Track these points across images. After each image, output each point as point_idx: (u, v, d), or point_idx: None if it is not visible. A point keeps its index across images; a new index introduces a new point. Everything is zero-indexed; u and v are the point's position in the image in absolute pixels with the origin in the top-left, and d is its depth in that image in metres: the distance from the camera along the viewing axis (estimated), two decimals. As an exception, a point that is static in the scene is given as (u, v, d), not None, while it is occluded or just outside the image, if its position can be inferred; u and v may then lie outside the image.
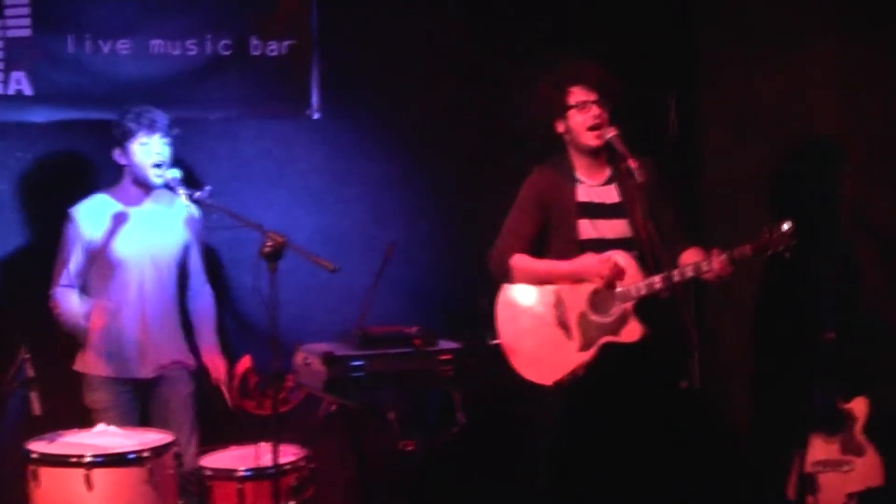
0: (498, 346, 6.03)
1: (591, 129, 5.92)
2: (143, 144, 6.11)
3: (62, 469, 5.37)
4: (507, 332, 6.05)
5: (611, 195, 6.00)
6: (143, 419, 6.23)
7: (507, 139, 7.09)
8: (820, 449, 6.34)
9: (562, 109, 5.97)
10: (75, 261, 6.15)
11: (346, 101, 7.04)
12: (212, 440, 6.19)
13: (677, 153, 7.48)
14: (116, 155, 6.18)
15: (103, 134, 6.47)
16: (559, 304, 5.95)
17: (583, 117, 5.93)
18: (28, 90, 6.39)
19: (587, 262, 5.84)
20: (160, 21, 6.60)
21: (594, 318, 5.87)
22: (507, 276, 6.04)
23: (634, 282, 5.78)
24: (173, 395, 6.27)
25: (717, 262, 5.65)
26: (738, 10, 7.37)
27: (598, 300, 5.86)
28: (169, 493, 5.58)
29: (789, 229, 5.57)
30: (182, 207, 6.28)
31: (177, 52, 6.63)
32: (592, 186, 6.01)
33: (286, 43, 6.81)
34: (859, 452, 6.27)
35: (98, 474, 5.35)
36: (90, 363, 6.18)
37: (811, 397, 6.40)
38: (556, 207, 5.98)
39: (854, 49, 6.65)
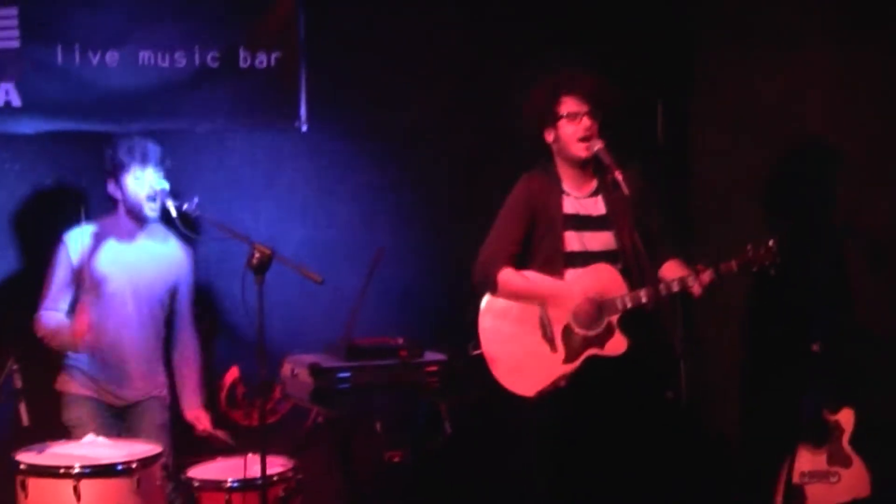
0: (480, 355, 6.03)
1: (581, 140, 5.90)
2: (136, 178, 6.13)
3: (50, 480, 5.36)
4: (491, 342, 6.03)
5: (597, 207, 5.99)
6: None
7: (497, 149, 7.10)
8: (807, 460, 6.36)
9: (552, 118, 5.96)
10: (62, 286, 6.18)
11: (334, 112, 7.04)
12: (202, 450, 6.20)
13: (666, 157, 7.50)
14: (110, 188, 6.20)
15: (92, 145, 6.51)
16: (544, 316, 5.94)
17: (573, 128, 5.91)
18: (16, 101, 6.38)
19: (568, 286, 5.89)
20: (149, 32, 6.59)
21: (579, 330, 5.88)
22: (492, 289, 6.02)
23: (619, 295, 5.80)
24: (147, 423, 6.29)
25: (704, 277, 5.70)
26: (735, 11, 7.38)
27: (583, 313, 5.87)
28: (157, 504, 5.59)
29: (773, 246, 5.64)
30: (175, 246, 6.28)
31: (165, 64, 6.61)
32: (579, 198, 6.00)
33: (274, 55, 6.80)
34: (846, 464, 6.30)
35: (86, 485, 5.34)
36: (69, 382, 6.22)
37: (799, 408, 6.41)
38: (542, 217, 5.96)
39: (851, 51, 6.67)
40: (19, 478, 5.40)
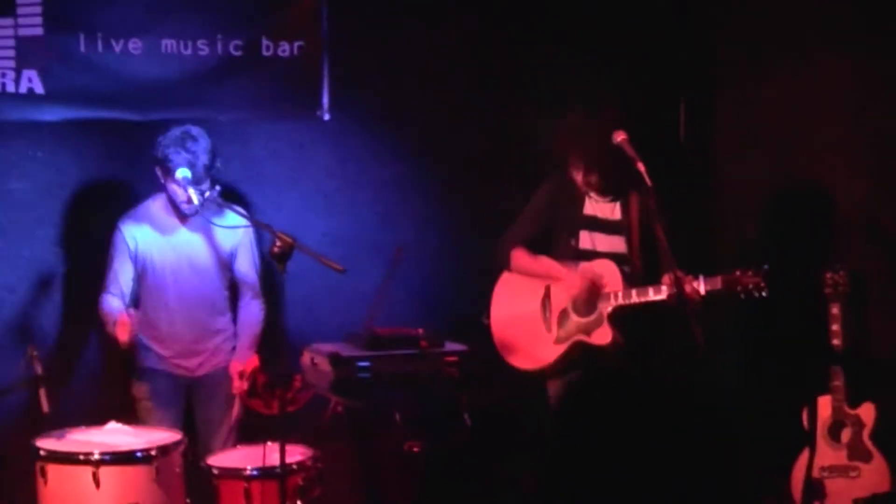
0: (488, 324, 6.34)
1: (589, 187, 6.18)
2: (178, 185, 6.11)
3: (70, 466, 5.38)
4: (498, 313, 6.37)
5: (614, 213, 6.22)
6: (187, 415, 6.38)
7: (519, 144, 7.11)
8: (827, 454, 6.34)
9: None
10: (122, 270, 6.24)
11: (357, 103, 7.04)
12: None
13: (688, 156, 7.49)
14: (157, 172, 6.18)
15: (115, 133, 6.54)
16: (546, 297, 6.22)
17: (583, 180, 6.18)
18: (40, 89, 6.39)
19: (569, 277, 6.10)
20: (172, 21, 6.59)
21: (573, 316, 6.13)
22: (507, 266, 6.32)
23: (616, 290, 6.01)
24: (216, 394, 6.36)
25: (688, 289, 5.81)
26: (749, 20, 7.37)
27: (580, 300, 6.09)
28: (176, 492, 5.59)
29: (763, 271, 5.73)
30: (230, 218, 6.23)
31: (188, 52, 6.61)
32: (599, 202, 6.22)
33: (297, 44, 6.79)
34: (866, 458, 6.27)
35: (105, 472, 5.35)
36: (140, 356, 6.30)
37: (817, 402, 6.41)
38: (562, 215, 6.22)
39: (864, 60, 6.66)
40: (39, 464, 5.42)
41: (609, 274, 6.05)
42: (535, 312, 6.22)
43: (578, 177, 6.14)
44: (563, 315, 6.15)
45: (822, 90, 6.89)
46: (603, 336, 6.03)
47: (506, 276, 6.37)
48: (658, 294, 5.92)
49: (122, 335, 5.93)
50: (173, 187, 6.12)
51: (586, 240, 6.17)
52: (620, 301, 5.98)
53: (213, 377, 6.36)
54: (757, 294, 5.76)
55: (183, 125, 6.16)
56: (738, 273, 5.78)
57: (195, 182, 6.06)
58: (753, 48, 7.31)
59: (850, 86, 6.75)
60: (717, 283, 5.82)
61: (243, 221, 6.17)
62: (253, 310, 6.42)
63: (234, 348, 6.38)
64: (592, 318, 6.06)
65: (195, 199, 6.02)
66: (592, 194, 6.19)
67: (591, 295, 6.04)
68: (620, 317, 6.02)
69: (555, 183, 6.26)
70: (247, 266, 6.37)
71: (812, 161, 6.94)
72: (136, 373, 6.31)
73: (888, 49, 6.53)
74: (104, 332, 6.15)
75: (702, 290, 5.84)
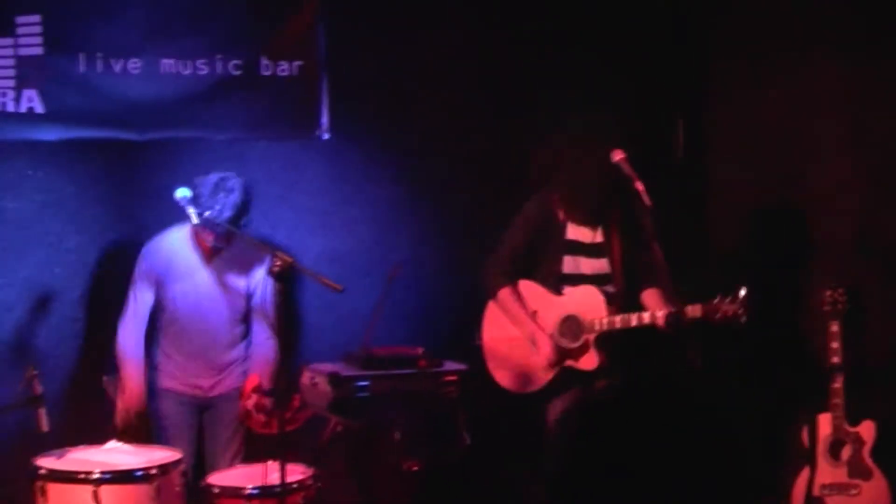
0: (479, 346, 6.37)
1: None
2: (204, 230, 6.14)
3: (70, 485, 5.35)
4: (489, 335, 6.39)
5: (596, 236, 6.23)
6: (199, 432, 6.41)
7: (516, 162, 7.12)
8: (827, 472, 6.34)
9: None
10: (142, 300, 6.27)
11: (354, 122, 7.04)
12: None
13: (684, 177, 7.51)
14: (187, 206, 6.09)
15: (113, 152, 6.54)
16: (534, 322, 6.22)
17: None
18: (39, 108, 6.38)
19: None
20: (171, 41, 6.59)
21: (560, 341, 6.14)
22: (493, 299, 6.36)
23: (599, 317, 6.04)
24: (227, 412, 6.36)
25: (660, 316, 5.90)
26: (746, 31, 7.38)
27: (567, 327, 6.15)
28: (176, 511, 5.59)
29: (744, 297, 5.74)
30: (252, 247, 6.22)
31: (188, 72, 6.62)
32: (580, 226, 6.24)
33: (296, 63, 6.81)
34: (866, 476, 6.27)
35: (106, 491, 5.33)
36: (156, 376, 6.33)
37: (817, 420, 6.41)
38: (545, 240, 6.25)
39: (863, 70, 6.67)
40: (38, 483, 5.39)
41: (591, 301, 6.09)
42: (525, 336, 6.23)
43: (560, 211, 6.17)
44: (552, 343, 6.15)
45: (820, 104, 6.89)
46: (589, 362, 6.08)
47: (494, 304, 6.39)
48: (641, 321, 5.96)
49: (124, 411, 6.08)
50: (200, 238, 6.18)
51: (570, 264, 6.20)
52: (604, 328, 6.03)
53: (224, 398, 6.37)
54: (736, 323, 5.78)
55: (224, 173, 6.15)
56: (717, 301, 5.79)
57: (209, 225, 6.08)
58: (750, 62, 7.32)
59: (846, 100, 6.75)
60: (697, 311, 5.84)
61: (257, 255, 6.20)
62: (268, 348, 6.35)
63: (245, 372, 6.38)
64: (578, 344, 6.09)
65: (194, 219, 6.01)
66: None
67: (575, 324, 6.09)
68: (607, 339, 6.06)
69: (535, 208, 6.28)
70: (266, 304, 6.35)
71: (809, 175, 6.94)
72: (149, 393, 6.30)
73: (885, 61, 6.53)
74: (106, 348, 6.17)
75: (660, 323, 5.91)
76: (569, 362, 6.13)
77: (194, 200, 6.04)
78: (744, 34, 7.41)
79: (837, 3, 6.82)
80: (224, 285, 6.29)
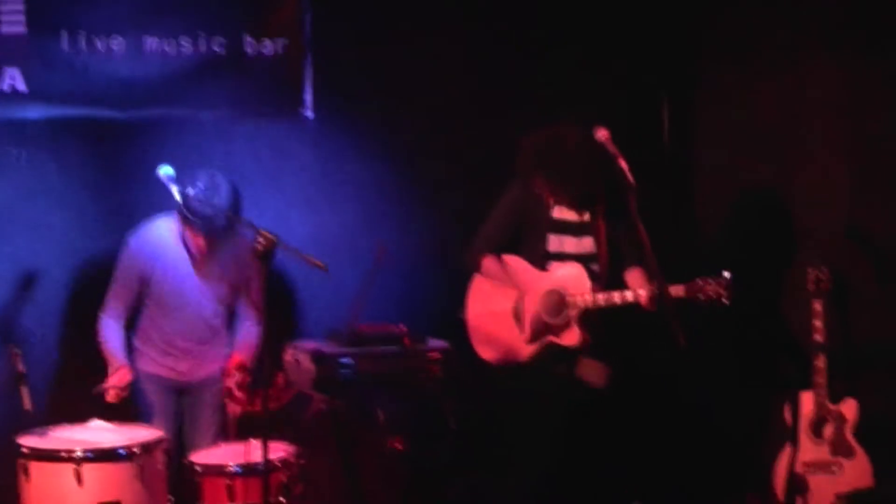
0: (462, 319, 6.36)
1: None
2: (191, 235, 6.11)
3: (52, 464, 5.38)
4: (473, 310, 6.39)
5: (580, 214, 6.22)
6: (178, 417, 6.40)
7: (501, 144, 7.09)
8: (810, 450, 6.35)
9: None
10: (126, 287, 6.20)
11: (339, 102, 7.04)
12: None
13: (671, 162, 7.51)
14: (176, 201, 6.06)
15: (96, 131, 6.53)
16: (520, 298, 6.22)
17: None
18: (22, 87, 6.38)
19: (539, 281, 6.15)
20: (155, 19, 6.57)
21: (545, 317, 6.13)
22: (478, 272, 6.38)
23: (583, 294, 6.03)
24: (206, 397, 6.37)
25: (643, 294, 5.90)
26: (736, 25, 7.38)
27: (552, 303, 6.12)
28: (158, 489, 5.60)
29: (728, 280, 5.77)
30: (244, 241, 6.19)
31: (171, 51, 6.60)
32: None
33: (280, 42, 6.80)
34: (849, 454, 6.29)
35: (88, 469, 5.35)
36: (137, 359, 6.27)
37: (799, 398, 6.42)
38: (530, 219, 6.24)
39: (852, 64, 6.67)
40: (21, 462, 5.42)
41: (576, 278, 6.08)
42: (508, 312, 6.24)
43: (546, 195, 6.16)
44: (536, 316, 6.15)
45: (808, 92, 6.90)
46: (571, 338, 6.07)
47: (479, 277, 6.40)
48: (624, 300, 5.96)
49: (118, 383, 6.00)
50: (188, 234, 6.11)
51: (555, 242, 6.20)
52: (588, 305, 6.02)
53: (203, 383, 6.36)
54: (719, 304, 5.79)
55: (211, 172, 6.05)
56: (699, 282, 5.80)
57: (208, 233, 6.05)
58: (739, 48, 7.32)
59: (834, 88, 6.76)
60: (680, 291, 5.84)
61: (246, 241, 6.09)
62: (252, 335, 6.35)
63: (226, 356, 6.35)
64: (563, 320, 6.08)
65: (176, 196, 5.98)
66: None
67: (559, 299, 6.08)
68: (590, 317, 6.05)
69: (521, 187, 6.26)
70: (256, 296, 6.31)
71: (796, 160, 6.95)
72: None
73: (879, 54, 6.54)
74: (89, 328, 6.16)
75: (644, 302, 5.91)
76: (550, 338, 6.13)
77: (185, 206, 5.98)
78: (733, 21, 7.41)
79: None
80: (212, 280, 6.26)
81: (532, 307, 6.16)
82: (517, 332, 6.20)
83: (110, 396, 5.98)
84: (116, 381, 6.02)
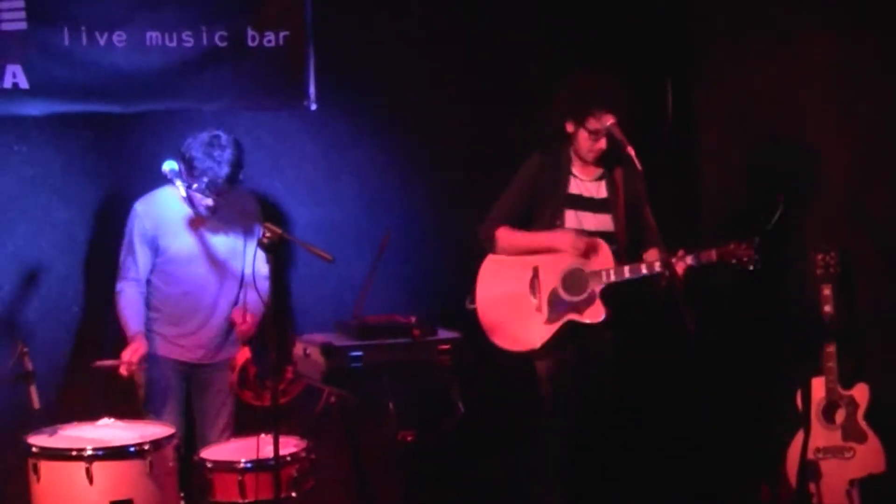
0: (473, 309, 6.33)
1: (592, 152, 6.19)
2: (201, 193, 6.10)
3: (63, 462, 5.36)
4: (484, 295, 6.35)
5: (600, 191, 6.26)
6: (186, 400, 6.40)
7: (504, 130, 7.09)
8: (822, 436, 6.35)
9: (578, 122, 6.18)
10: (140, 253, 6.22)
11: (342, 91, 7.01)
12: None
13: (674, 147, 7.49)
14: (180, 165, 6.12)
15: (99, 125, 6.51)
16: (535, 277, 6.23)
17: (589, 144, 6.17)
18: (24, 83, 6.34)
19: (565, 236, 6.13)
20: (156, 13, 6.54)
21: (564, 295, 6.13)
22: (491, 245, 6.36)
23: (607, 267, 6.03)
24: (213, 384, 6.38)
25: (686, 261, 5.91)
26: (733, 5, 7.36)
27: (571, 279, 6.12)
28: (169, 486, 5.58)
29: (756, 244, 5.81)
30: (249, 202, 6.23)
31: (173, 44, 6.56)
32: (584, 181, 6.28)
33: (282, 34, 6.75)
34: (861, 439, 6.28)
35: (99, 468, 5.33)
36: (153, 345, 6.25)
37: (810, 383, 6.41)
38: (546, 194, 6.25)
39: (849, 45, 6.66)
40: (31, 461, 5.40)
41: (602, 250, 6.07)
42: (524, 293, 6.22)
43: (584, 141, 6.15)
44: (554, 294, 6.14)
45: (808, 71, 6.87)
46: (595, 314, 6.05)
47: (490, 259, 6.37)
48: (651, 270, 5.94)
49: (131, 358, 5.98)
50: (192, 192, 6.11)
51: (572, 219, 6.20)
52: (613, 278, 6.01)
53: (212, 367, 6.36)
54: (750, 266, 5.82)
55: (213, 130, 6.13)
56: (731, 246, 5.84)
57: (209, 187, 6.05)
58: (739, 29, 7.30)
59: (835, 66, 6.73)
60: (712, 255, 5.87)
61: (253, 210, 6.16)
62: (254, 307, 6.28)
63: (233, 343, 6.34)
64: (584, 296, 6.06)
65: (182, 192, 6.01)
66: (578, 173, 6.24)
67: (582, 274, 6.06)
68: (611, 294, 6.04)
69: (536, 163, 6.30)
70: (257, 275, 6.24)
71: (799, 140, 6.92)
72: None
73: (875, 35, 6.51)
74: (96, 322, 6.15)
75: (688, 262, 5.90)
76: (571, 316, 6.10)
77: (187, 161, 6.04)
78: (732, 6, 7.38)
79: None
80: (220, 240, 6.28)
81: (550, 284, 6.15)
82: (534, 313, 6.18)
83: (123, 369, 5.97)
84: (129, 354, 6.01)
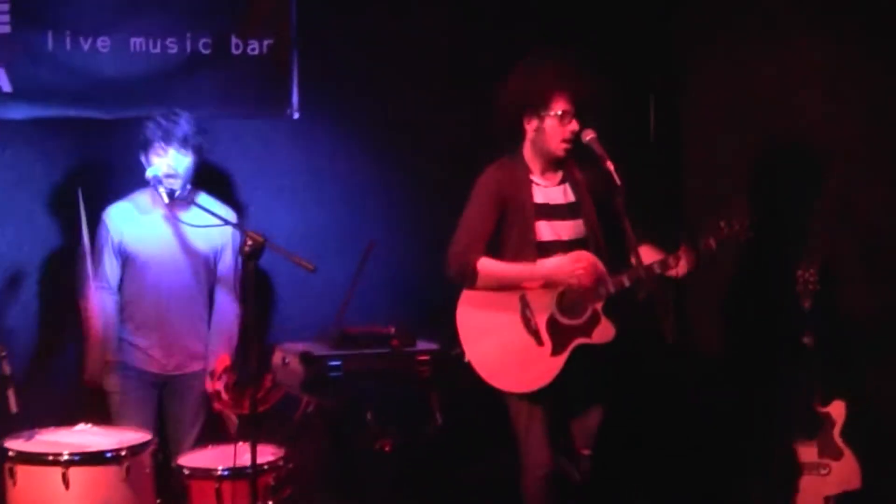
0: (461, 355, 6.00)
1: (564, 141, 5.89)
2: (159, 156, 6.12)
3: (39, 467, 5.33)
4: (474, 345, 5.99)
5: (566, 195, 5.98)
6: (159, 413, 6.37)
7: (488, 139, 7.08)
8: (798, 452, 6.35)
9: (539, 111, 5.92)
10: (108, 262, 6.23)
11: (326, 99, 7.02)
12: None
13: (658, 153, 7.50)
14: (142, 160, 6.20)
15: (82, 131, 6.51)
16: (525, 308, 5.92)
17: (560, 129, 5.88)
18: (7, 87, 6.34)
19: (560, 263, 5.82)
20: (140, 18, 6.55)
21: (564, 320, 5.86)
22: (470, 280, 5.96)
23: (602, 281, 5.78)
24: (187, 394, 6.35)
25: (688, 258, 5.76)
26: (721, 7, 7.37)
27: (567, 302, 5.86)
28: (146, 492, 5.56)
29: (747, 220, 5.75)
30: (221, 213, 6.16)
31: (157, 50, 6.58)
32: (548, 187, 5.99)
33: (266, 42, 6.77)
34: (837, 456, 6.27)
35: (75, 473, 5.31)
36: (123, 353, 6.27)
37: (790, 400, 6.41)
38: (512, 207, 5.92)
39: (840, 44, 6.63)
40: (7, 465, 5.37)
41: (597, 267, 5.80)
42: (517, 329, 5.92)
43: (553, 130, 5.84)
44: (552, 322, 5.87)
45: (797, 77, 6.86)
46: (605, 333, 5.82)
47: (466, 297, 6.03)
48: (664, 269, 5.77)
49: (89, 377, 6.11)
50: (153, 158, 6.12)
51: (545, 230, 5.87)
52: (612, 290, 5.76)
53: (185, 378, 6.35)
54: (743, 237, 5.74)
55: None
56: (722, 224, 5.74)
57: (179, 144, 6.12)
58: (724, 39, 7.31)
59: (827, 72, 6.71)
60: (711, 244, 5.73)
61: (216, 220, 6.00)
62: (229, 310, 6.36)
63: (207, 352, 6.34)
64: (587, 317, 5.83)
65: (165, 198, 6.05)
66: (539, 180, 5.95)
67: (574, 298, 5.82)
68: (612, 304, 5.82)
69: (493, 178, 5.97)
70: (229, 266, 6.33)
71: (785, 151, 6.92)
72: (109, 366, 6.24)
73: (866, 34, 6.51)
74: (76, 328, 6.15)
75: (692, 258, 5.76)
76: (580, 340, 5.81)
77: (144, 136, 6.12)
78: (718, 10, 7.39)
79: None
80: (188, 249, 6.27)
81: (544, 311, 5.88)
82: (536, 349, 5.88)
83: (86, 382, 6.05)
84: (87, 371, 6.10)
